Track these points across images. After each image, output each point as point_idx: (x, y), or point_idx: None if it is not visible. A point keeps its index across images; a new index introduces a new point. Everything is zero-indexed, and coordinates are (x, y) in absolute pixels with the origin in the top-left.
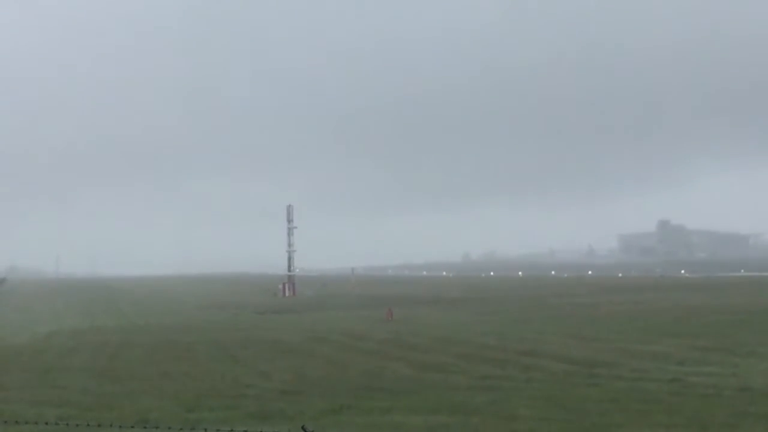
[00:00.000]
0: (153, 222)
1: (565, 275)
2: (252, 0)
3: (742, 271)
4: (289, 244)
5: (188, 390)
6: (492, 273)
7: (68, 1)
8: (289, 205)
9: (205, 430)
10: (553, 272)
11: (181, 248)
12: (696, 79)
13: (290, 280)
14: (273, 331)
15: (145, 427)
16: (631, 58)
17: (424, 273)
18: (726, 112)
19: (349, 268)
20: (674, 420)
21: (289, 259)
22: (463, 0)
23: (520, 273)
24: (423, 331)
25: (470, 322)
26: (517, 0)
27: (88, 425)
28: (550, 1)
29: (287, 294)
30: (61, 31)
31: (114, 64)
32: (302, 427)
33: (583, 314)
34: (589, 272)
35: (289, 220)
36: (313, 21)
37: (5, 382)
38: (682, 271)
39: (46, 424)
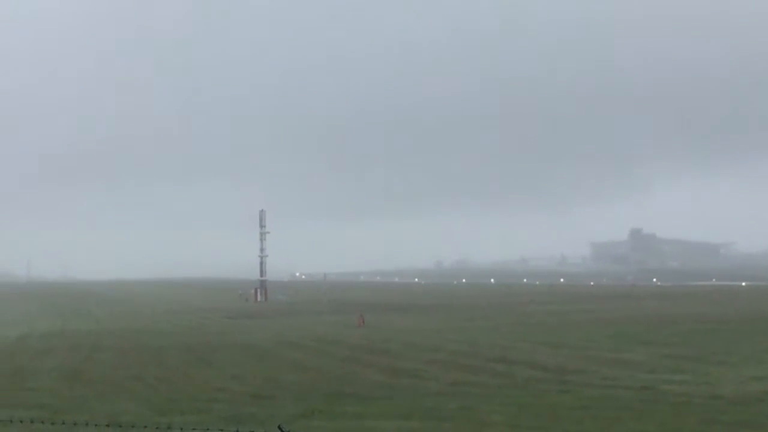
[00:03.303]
0: (127, 226)
1: (537, 283)
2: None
3: (714, 280)
4: (261, 249)
5: (159, 393)
6: (464, 280)
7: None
8: (262, 210)
9: (181, 429)
10: (525, 280)
11: (154, 253)
12: (666, 88)
13: (262, 285)
14: (244, 335)
15: (120, 426)
16: (601, 65)
17: (396, 279)
18: (702, 124)
19: (322, 274)
20: (645, 427)
21: (262, 264)
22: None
23: (492, 280)
24: (394, 337)
25: (442, 329)
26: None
27: (63, 423)
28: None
29: (259, 299)
30: (34, 37)
31: (91, 67)
32: (279, 427)
33: (554, 322)
34: (561, 280)
35: (262, 226)
36: (278, 27)
37: None
38: (654, 280)
39: (21, 422)
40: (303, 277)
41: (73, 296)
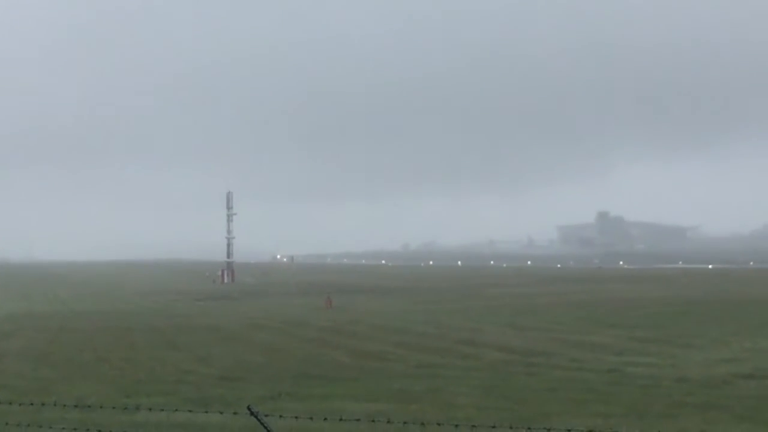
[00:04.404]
0: (93, 208)
1: (504, 265)
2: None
3: (680, 263)
4: (229, 231)
5: (126, 375)
6: (431, 262)
7: None
8: (229, 192)
9: (150, 410)
10: (492, 262)
11: (120, 234)
12: (632, 72)
13: (229, 266)
14: (212, 317)
15: (88, 407)
16: (568, 50)
17: (363, 262)
18: (669, 108)
19: (289, 256)
20: (612, 409)
21: (229, 245)
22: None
23: (459, 263)
24: (362, 319)
25: (409, 311)
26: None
27: (32, 404)
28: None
29: (226, 281)
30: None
31: (55, 48)
32: (248, 408)
33: (521, 304)
34: (528, 262)
35: (229, 207)
36: (247, 7)
37: None
38: (621, 263)
39: None
40: (285, 259)
41: (38, 278)
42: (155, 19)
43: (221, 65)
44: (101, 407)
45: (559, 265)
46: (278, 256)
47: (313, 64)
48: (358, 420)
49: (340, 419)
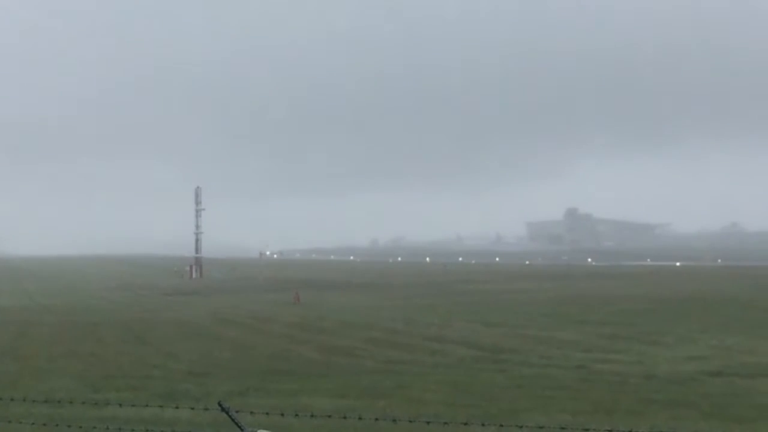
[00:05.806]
0: (61, 202)
1: (473, 262)
2: None
3: (648, 260)
4: (197, 227)
5: (94, 370)
6: (399, 258)
7: None
8: (198, 188)
9: (119, 405)
10: (460, 259)
11: (87, 229)
12: (599, 69)
13: (198, 262)
14: (180, 312)
15: (57, 401)
16: (536, 48)
17: (332, 257)
18: (634, 107)
19: (256, 252)
20: (580, 406)
21: (197, 241)
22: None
23: (427, 259)
24: (330, 315)
25: (377, 307)
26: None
27: (1, 399)
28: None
29: (195, 276)
30: None
31: (20, 43)
32: (218, 403)
33: (490, 301)
34: (497, 259)
35: (197, 203)
36: (214, 7)
37: None
38: (589, 260)
39: None
40: (275, 256)
41: (6, 272)
42: (124, 14)
43: (192, 61)
44: (70, 402)
45: (527, 262)
46: (267, 253)
47: (280, 61)
48: (329, 416)
49: (312, 415)
